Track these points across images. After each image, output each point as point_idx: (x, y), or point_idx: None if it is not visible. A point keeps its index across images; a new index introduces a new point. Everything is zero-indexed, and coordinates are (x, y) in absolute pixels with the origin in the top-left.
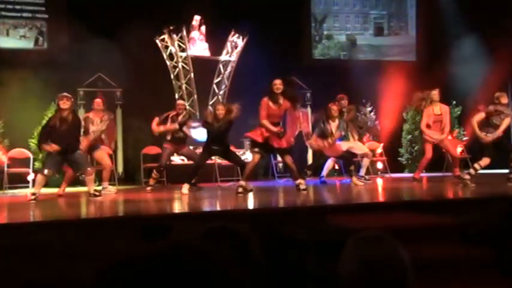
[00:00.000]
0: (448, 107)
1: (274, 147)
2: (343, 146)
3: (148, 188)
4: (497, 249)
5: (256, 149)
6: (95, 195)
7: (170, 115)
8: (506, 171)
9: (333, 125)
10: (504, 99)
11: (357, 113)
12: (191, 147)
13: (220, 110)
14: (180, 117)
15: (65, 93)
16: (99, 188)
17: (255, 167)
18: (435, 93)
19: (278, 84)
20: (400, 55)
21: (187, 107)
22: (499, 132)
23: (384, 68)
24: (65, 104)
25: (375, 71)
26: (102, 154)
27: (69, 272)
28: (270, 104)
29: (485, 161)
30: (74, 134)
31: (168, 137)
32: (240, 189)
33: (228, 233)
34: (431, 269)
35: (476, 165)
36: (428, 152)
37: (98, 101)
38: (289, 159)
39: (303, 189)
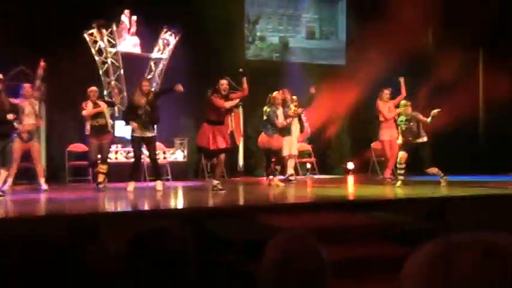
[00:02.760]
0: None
1: (221, 148)
2: (285, 141)
3: (101, 186)
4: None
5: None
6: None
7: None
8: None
9: (279, 112)
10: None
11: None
12: (119, 146)
13: (146, 86)
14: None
15: None
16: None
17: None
18: (386, 93)
19: (225, 84)
20: (330, 59)
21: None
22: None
23: (315, 71)
24: None
25: (306, 73)
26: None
27: None
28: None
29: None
30: None
31: (87, 131)
32: (215, 188)
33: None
34: (356, 268)
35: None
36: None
37: (27, 85)
38: (223, 157)
39: (220, 190)
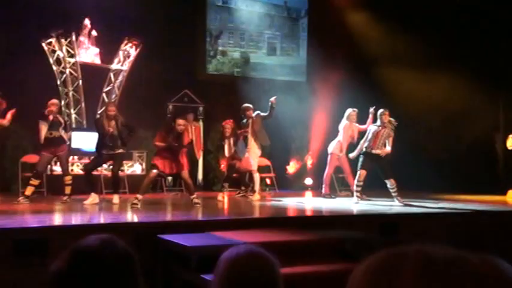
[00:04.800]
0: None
1: (173, 172)
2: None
3: (21, 199)
4: None
5: (155, 171)
6: None
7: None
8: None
9: (227, 144)
10: (386, 117)
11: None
12: (75, 157)
13: (112, 111)
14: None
15: None
16: None
17: (150, 183)
18: (353, 114)
19: (182, 125)
20: (291, 75)
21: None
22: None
23: (276, 87)
24: None
25: (267, 89)
26: None
27: None
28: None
29: (363, 173)
30: None
31: (42, 141)
32: (135, 201)
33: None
34: (308, 284)
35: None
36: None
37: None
38: (185, 174)
39: (197, 203)
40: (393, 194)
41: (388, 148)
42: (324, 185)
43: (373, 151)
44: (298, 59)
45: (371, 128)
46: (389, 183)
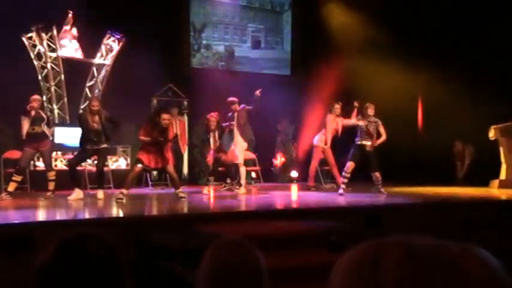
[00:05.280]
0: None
1: (158, 167)
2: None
3: (3, 194)
4: None
5: (140, 165)
6: None
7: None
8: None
9: (212, 137)
10: (371, 111)
11: None
12: (59, 153)
13: (96, 106)
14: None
15: None
16: None
17: (135, 177)
18: (337, 107)
19: (167, 119)
20: (275, 69)
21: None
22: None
23: (260, 81)
24: None
25: (251, 83)
26: None
27: None
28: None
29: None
30: None
31: (24, 137)
32: (121, 196)
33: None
34: (293, 276)
35: (344, 173)
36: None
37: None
38: (170, 169)
39: (182, 197)
40: (378, 187)
41: (383, 137)
42: (309, 178)
43: (364, 142)
44: (283, 52)
45: (359, 124)
46: (375, 176)
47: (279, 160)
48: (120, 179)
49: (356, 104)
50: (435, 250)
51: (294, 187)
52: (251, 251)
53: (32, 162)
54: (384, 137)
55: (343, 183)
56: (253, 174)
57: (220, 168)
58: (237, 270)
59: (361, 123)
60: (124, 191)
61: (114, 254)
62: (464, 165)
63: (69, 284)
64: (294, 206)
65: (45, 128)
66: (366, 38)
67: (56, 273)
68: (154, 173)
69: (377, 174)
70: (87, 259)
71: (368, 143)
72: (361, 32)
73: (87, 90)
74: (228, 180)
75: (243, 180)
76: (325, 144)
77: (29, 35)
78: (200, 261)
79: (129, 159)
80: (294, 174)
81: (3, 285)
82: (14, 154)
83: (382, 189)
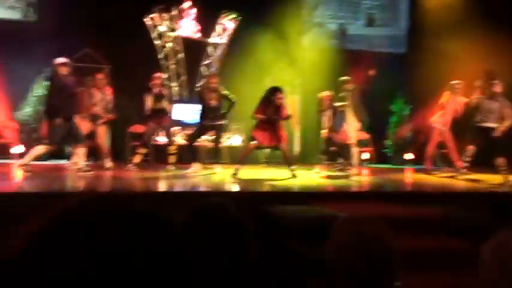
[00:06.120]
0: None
1: (272, 145)
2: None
3: (130, 165)
4: (477, 242)
5: (255, 142)
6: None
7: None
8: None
9: (324, 116)
10: (498, 88)
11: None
12: (177, 128)
13: (214, 83)
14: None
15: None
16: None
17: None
18: (458, 86)
19: (281, 97)
20: (390, 46)
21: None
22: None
23: (374, 59)
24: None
25: (364, 61)
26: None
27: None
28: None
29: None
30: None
31: (148, 112)
32: (235, 172)
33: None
34: (411, 260)
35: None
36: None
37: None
38: (283, 147)
39: (294, 176)
40: (502, 173)
41: (510, 120)
42: (425, 161)
43: (487, 124)
44: (398, 29)
45: (482, 104)
46: (499, 162)
47: (392, 141)
48: (234, 155)
49: (479, 82)
50: None
51: (409, 169)
52: (384, 228)
53: (152, 136)
54: (510, 121)
55: (463, 167)
56: (367, 155)
57: (332, 148)
58: (371, 244)
59: (485, 103)
60: (239, 166)
61: (239, 221)
62: None
63: (204, 246)
64: (409, 189)
65: (166, 105)
66: (486, 14)
67: (192, 236)
68: (267, 150)
69: (501, 160)
70: (219, 224)
71: (492, 125)
72: (481, 8)
73: (202, 68)
74: (340, 160)
75: (355, 161)
76: (444, 125)
77: (151, 15)
78: (321, 239)
79: (243, 136)
80: (409, 156)
81: None
82: (138, 128)
83: (508, 176)
